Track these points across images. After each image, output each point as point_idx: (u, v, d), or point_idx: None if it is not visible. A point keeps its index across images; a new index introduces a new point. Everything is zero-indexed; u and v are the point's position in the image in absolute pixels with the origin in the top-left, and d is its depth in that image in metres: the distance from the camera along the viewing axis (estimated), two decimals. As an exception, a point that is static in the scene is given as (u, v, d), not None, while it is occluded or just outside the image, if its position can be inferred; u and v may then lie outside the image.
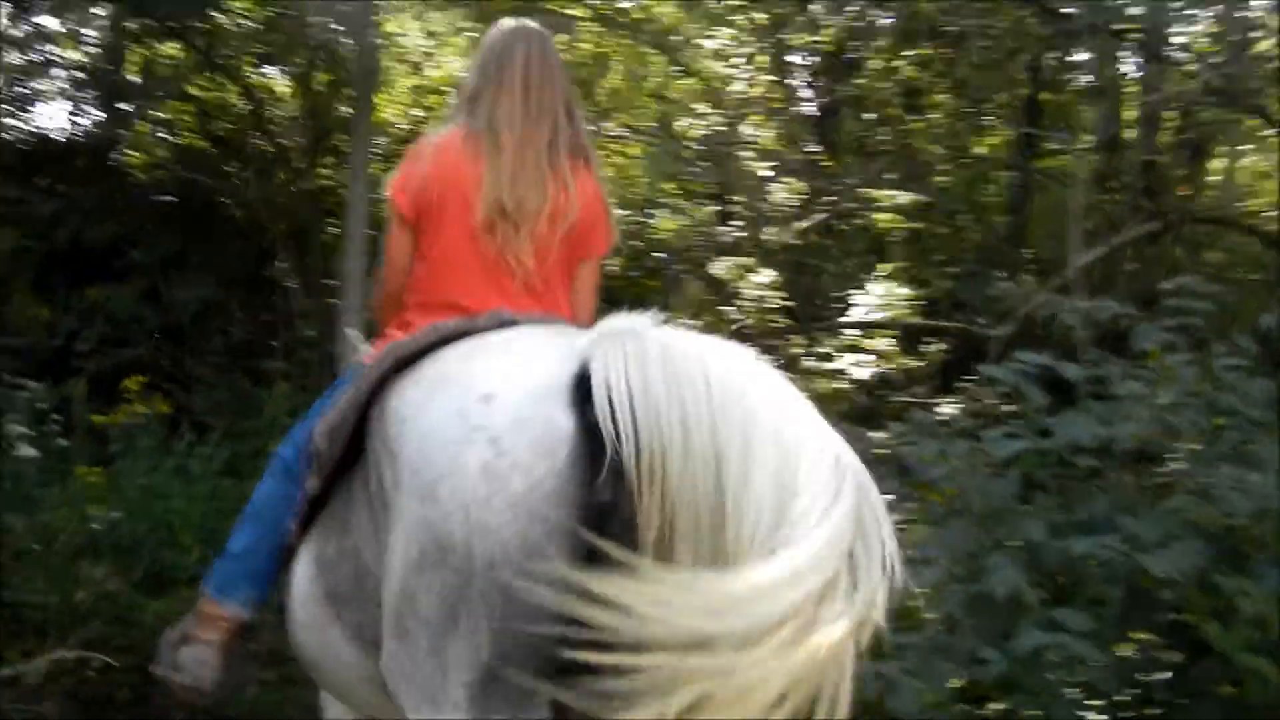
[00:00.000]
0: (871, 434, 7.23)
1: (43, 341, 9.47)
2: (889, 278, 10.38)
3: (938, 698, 3.71)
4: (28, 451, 7.42)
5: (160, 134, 11.73)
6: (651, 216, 11.05)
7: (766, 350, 2.47)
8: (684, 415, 2.10)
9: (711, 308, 10.29)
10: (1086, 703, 3.79)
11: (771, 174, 10.99)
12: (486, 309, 2.86)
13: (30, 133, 11.34)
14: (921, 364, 10.20)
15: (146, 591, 7.21)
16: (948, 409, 8.19)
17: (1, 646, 6.67)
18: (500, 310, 2.85)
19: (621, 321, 2.34)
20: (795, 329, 10.25)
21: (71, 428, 8.21)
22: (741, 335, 9.11)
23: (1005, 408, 5.80)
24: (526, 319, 2.80)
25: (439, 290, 3.07)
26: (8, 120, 10.87)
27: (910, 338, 10.21)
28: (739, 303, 10.38)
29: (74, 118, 11.85)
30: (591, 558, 2.09)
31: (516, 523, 2.20)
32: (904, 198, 10.83)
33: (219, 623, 3.10)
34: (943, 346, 10.23)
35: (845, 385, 9.79)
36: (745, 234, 10.84)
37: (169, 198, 10.79)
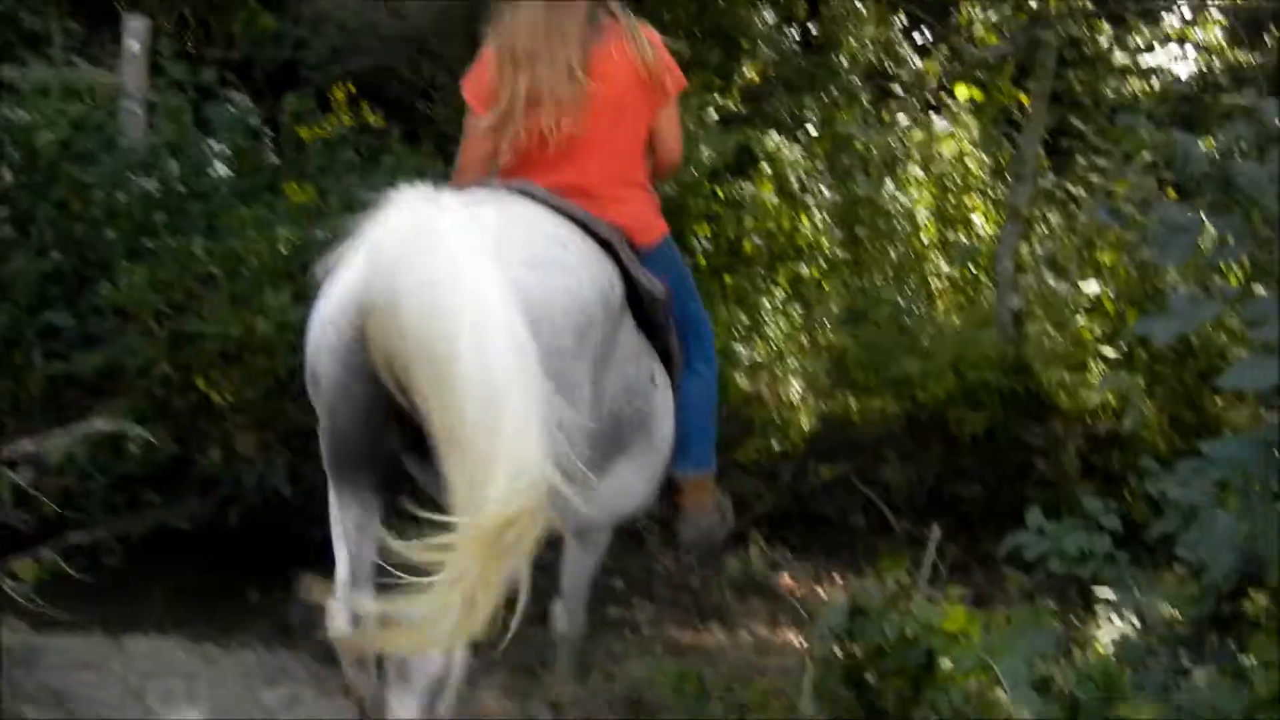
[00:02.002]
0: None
1: (267, 52, 8.91)
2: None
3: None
4: (221, 170, 6.91)
5: None
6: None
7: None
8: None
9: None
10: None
11: None
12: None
13: None
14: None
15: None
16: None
17: (184, 378, 6.39)
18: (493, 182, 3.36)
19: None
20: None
21: (283, 145, 7.67)
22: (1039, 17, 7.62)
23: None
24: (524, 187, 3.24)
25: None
26: None
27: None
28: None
29: None
30: None
31: (335, 365, 2.80)
32: None
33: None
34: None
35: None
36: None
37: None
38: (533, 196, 3.19)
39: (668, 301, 3.30)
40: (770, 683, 4.59)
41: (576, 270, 2.94)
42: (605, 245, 3.17)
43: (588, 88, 3.32)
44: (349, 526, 3.01)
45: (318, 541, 6.69)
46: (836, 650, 3.07)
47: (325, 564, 6.41)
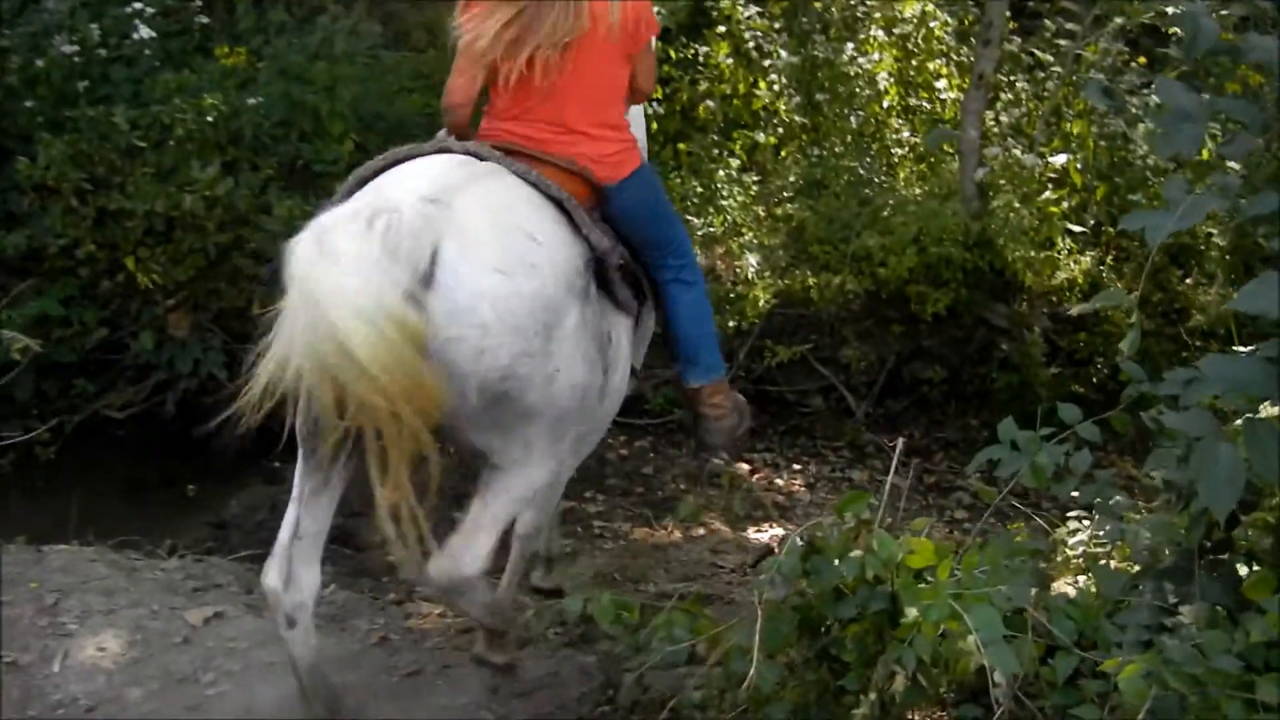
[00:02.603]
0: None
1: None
2: None
3: None
4: (144, 32, 6.48)
5: None
6: None
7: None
8: None
9: None
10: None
11: None
12: (522, 136, 3.53)
13: None
14: None
15: (281, 190, 6.35)
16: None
17: (111, 257, 6.06)
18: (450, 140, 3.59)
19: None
20: None
21: (213, 4, 7.22)
22: None
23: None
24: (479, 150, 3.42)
25: (492, 117, 3.65)
26: None
27: None
28: None
29: None
30: None
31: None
32: None
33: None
34: None
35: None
36: None
37: None
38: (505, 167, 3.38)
39: (613, 255, 3.46)
40: (723, 589, 4.44)
41: (543, 268, 3.12)
42: (558, 205, 3.36)
43: (584, 30, 3.50)
44: (304, 489, 3.19)
45: (255, 428, 6.61)
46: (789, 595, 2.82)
47: (263, 453, 6.26)
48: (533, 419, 3.13)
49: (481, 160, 3.36)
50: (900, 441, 3.56)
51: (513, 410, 3.08)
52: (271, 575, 3.15)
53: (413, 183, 3.11)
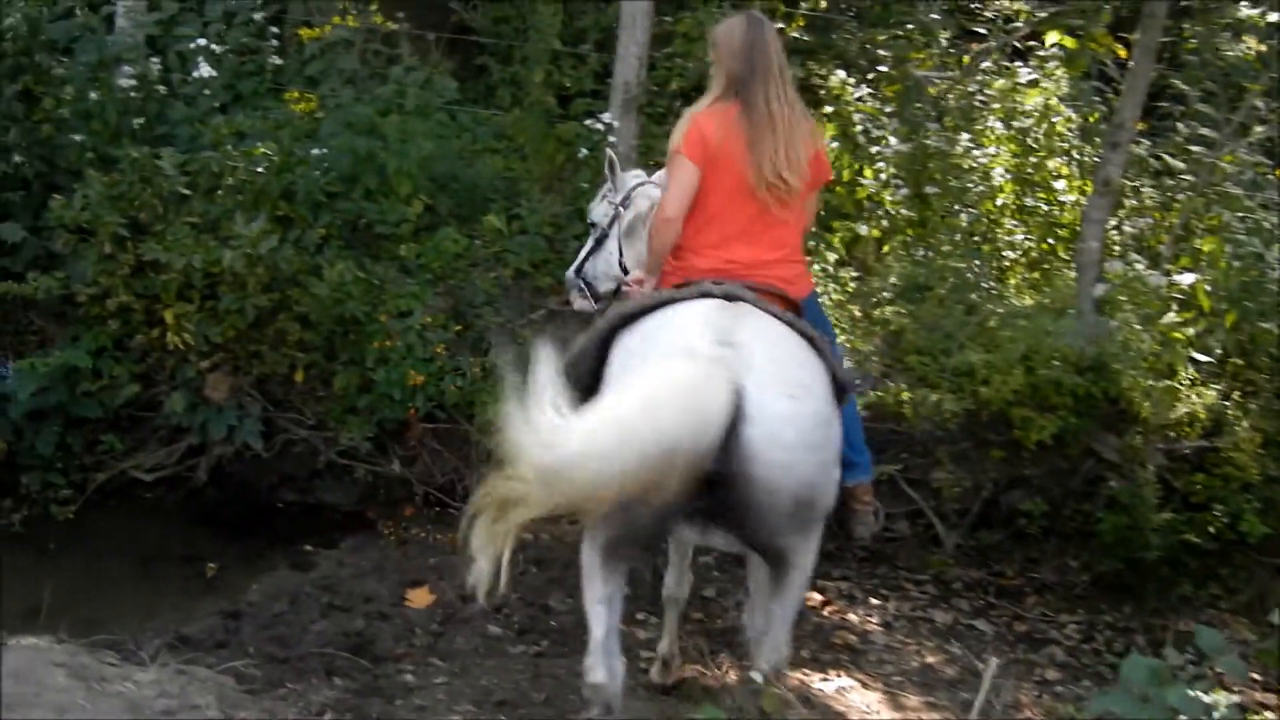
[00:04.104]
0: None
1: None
2: None
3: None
4: (204, 70, 6.08)
5: None
6: None
7: None
8: None
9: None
10: None
11: None
12: (740, 261, 3.94)
13: None
14: None
15: (340, 250, 5.89)
16: None
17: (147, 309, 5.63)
18: (707, 284, 3.80)
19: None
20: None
21: (286, 43, 6.83)
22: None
23: None
24: (731, 290, 3.75)
25: (709, 238, 3.99)
26: None
27: None
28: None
29: None
30: None
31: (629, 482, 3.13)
32: None
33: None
34: None
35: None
36: None
37: None
38: (757, 306, 3.73)
39: (843, 370, 3.82)
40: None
41: (813, 388, 3.54)
42: (810, 340, 3.69)
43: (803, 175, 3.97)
44: (610, 591, 3.58)
45: (289, 505, 6.14)
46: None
47: (294, 534, 5.76)
48: (821, 518, 3.61)
49: (734, 300, 3.70)
50: (993, 663, 2.97)
51: (812, 513, 3.51)
52: (600, 672, 3.53)
53: (702, 328, 3.48)
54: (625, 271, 4.48)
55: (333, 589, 5.27)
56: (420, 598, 5.27)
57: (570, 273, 4.77)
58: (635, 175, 4.69)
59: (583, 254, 4.75)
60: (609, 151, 4.79)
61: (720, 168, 3.92)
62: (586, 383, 3.65)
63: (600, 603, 3.56)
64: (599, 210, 4.72)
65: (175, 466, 6.12)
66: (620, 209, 4.57)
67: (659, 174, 4.46)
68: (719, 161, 3.91)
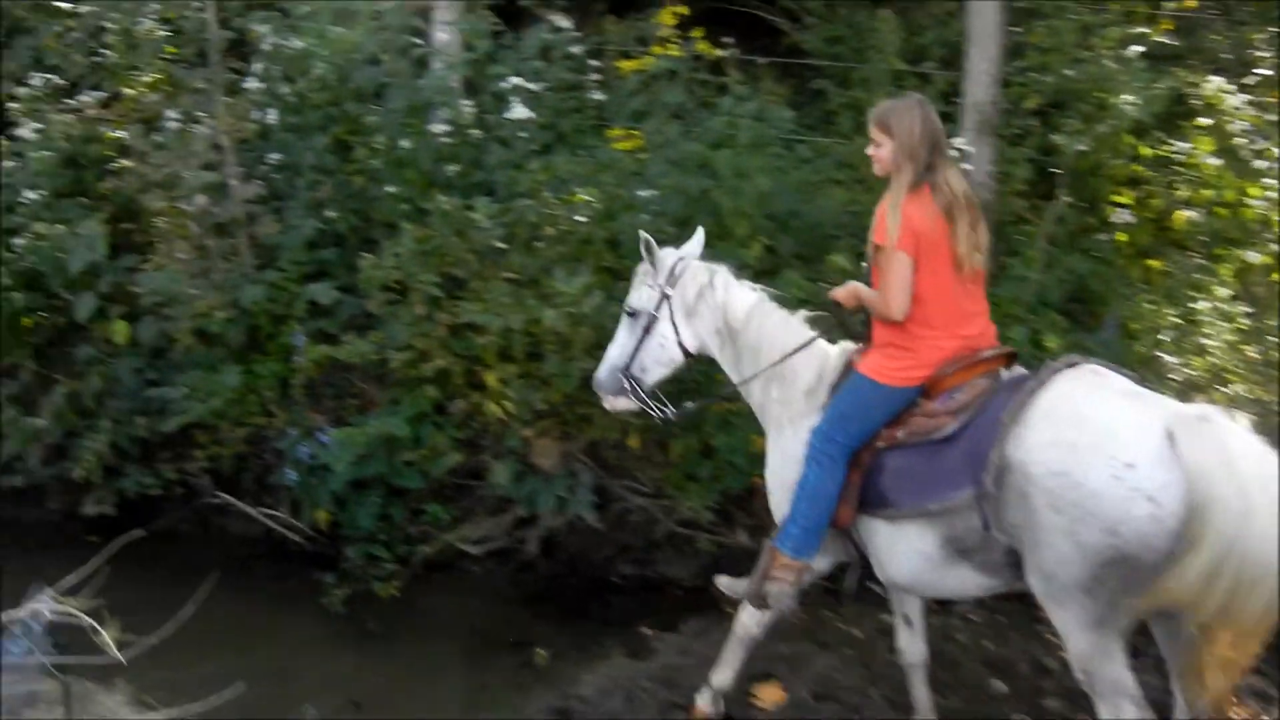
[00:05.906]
0: None
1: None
2: None
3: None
4: (519, 111, 5.67)
5: None
6: None
7: None
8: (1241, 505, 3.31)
9: None
10: None
11: None
12: (963, 334, 4.00)
13: None
14: None
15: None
16: None
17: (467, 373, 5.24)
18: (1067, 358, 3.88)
19: (1192, 409, 3.56)
20: None
21: (606, 76, 6.37)
22: None
23: None
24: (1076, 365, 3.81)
25: (932, 320, 4.00)
26: None
27: None
28: None
29: None
30: None
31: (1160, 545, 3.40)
32: None
33: (799, 572, 4.14)
34: None
35: None
36: None
37: None
38: None
39: None
40: None
41: None
42: None
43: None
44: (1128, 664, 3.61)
45: (626, 579, 5.66)
46: None
47: (631, 613, 5.28)
48: None
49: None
50: None
51: None
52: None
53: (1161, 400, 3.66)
54: (687, 354, 4.30)
55: (672, 683, 4.71)
56: (770, 694, 4.67)
57: (607, 370, 4.36)
58: (671, 253, 4.33)
59: (625, 347, 4.34)
60: (643, 233, 4.29)
61: (932, 255, 3.96)
62: None
63: (1132, 700, 3.64)
64: (641, 297, 4.32)
65: (504, 539, 5.73)
66: (667, 290, 4.24)
67: (688, 246, 4.36)
68: (930, 250, 3.95)
